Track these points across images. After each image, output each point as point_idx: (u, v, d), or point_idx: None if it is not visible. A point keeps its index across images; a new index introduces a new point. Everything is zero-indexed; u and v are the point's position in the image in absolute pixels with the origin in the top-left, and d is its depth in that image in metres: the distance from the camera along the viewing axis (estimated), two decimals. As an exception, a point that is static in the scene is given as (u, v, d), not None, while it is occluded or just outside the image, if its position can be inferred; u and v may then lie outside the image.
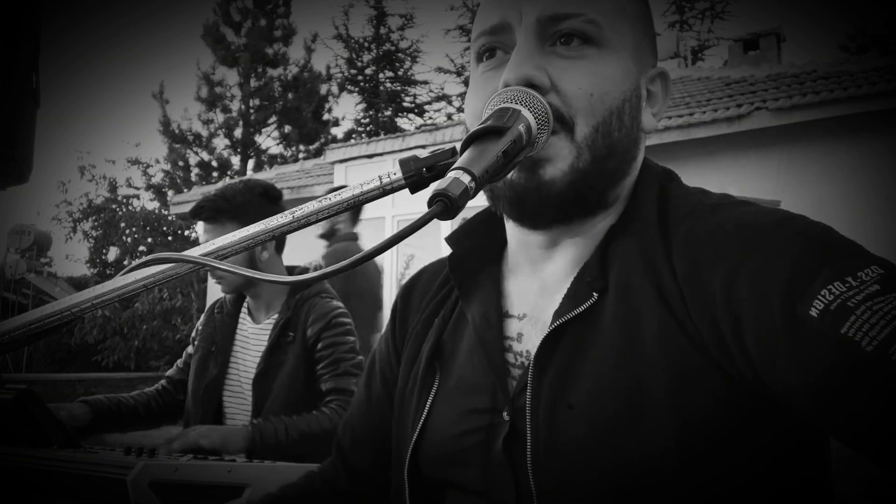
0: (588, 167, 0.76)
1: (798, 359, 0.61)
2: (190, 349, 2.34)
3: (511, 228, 0.88)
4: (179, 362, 2.36)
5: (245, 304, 2.26)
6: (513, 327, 0.84)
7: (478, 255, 0.91)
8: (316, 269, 2.33)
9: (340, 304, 2.18)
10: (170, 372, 2.36)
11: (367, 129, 20.62)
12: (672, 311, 0.71)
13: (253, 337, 2.18)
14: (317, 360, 2.06)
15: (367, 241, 4.50)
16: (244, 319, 2.24)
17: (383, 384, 0.99)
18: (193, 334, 2.35)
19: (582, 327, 0.76)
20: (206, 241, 2.12)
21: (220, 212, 2.10)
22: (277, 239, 2.14)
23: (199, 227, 2.16)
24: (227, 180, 15.40)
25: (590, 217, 0.81)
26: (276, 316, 2.16)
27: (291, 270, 2.30)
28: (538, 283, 0.84)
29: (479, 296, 0.87)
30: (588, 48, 0.77)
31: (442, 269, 0.96)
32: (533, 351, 0.77)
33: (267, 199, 2.19)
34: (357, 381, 2.01)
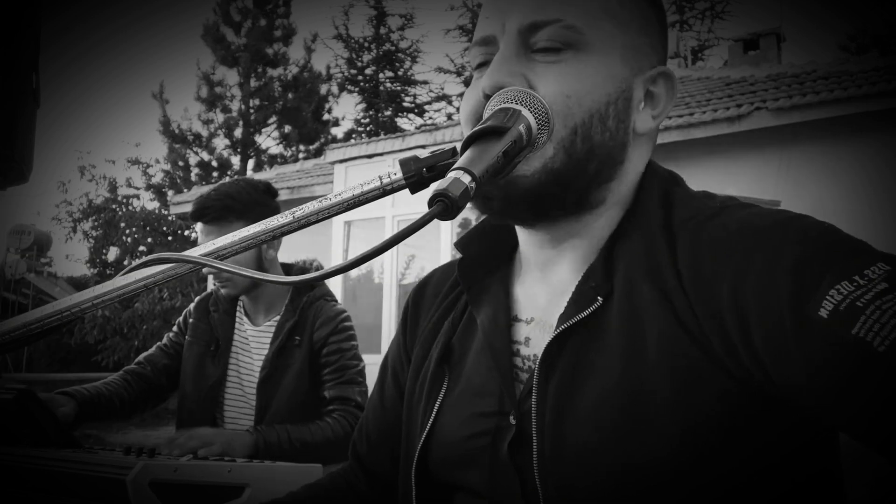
0: (562, 167, 0.76)
1: (809, 360, 0.61)
2: (172, 335, 2.26)
3: (519, 231, 0.88)
4: (162, 344, 2.26)
5: (240, 305, 2.21)
6: (521, 331, 0.85)
7: (487, 259, 0.91)
8: (316, 268, 2.30)
9: (342, 307, 2.17)
10: (149, 355, 2.24)
11: (367, 129, 20.63)
12: (676, 313, 0.71)
13: (253, 339, 2.15)
14: (322, 365, 2.04)
15: (367, 242, 4.50)
16: (241, 320, 2.19)
17: (395, 387, 0.99)
18: (181, 320, 2.27)
19: (587, 331, 0.76)
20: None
21: (230, 211, 2.05)
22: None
23: (199, 228, 2.10)
24: (227, 180, 15.38)
25: (575, 217, 0.81)
26: (277, 318, 2.12)
27: (290, 268, 2.26)
28: (546, 287, 0.84)
29: (488, 299, 0.88)
30: (565, 52, 0.78)
31: (452, 272, 0.96)
32: (540, 354, 0.77)
33: (270, 196, 2.17)
34: (360, 390, 2.01)
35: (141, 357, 2.27)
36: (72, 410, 1.91)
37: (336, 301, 2.19)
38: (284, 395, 2.02)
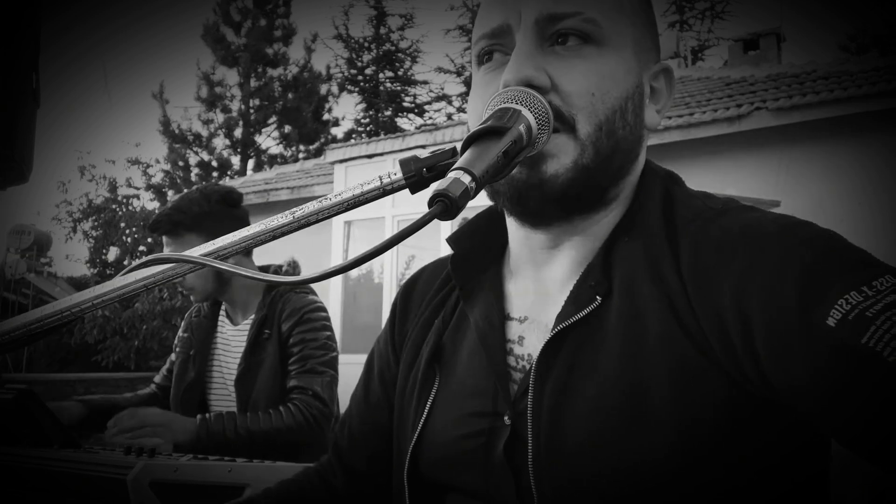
0: (592, 164, 0.76)
1: (813, 365, 0.61)
2: (173, 356, 2.34)
3: (513, 228, 0.87)
4: (164, 369, 2.36)
5: (222, 308, 2.27)
6: (514, 330, 0.84)
7: (480, 256, 0.91)
8: (290, 265, 2.32)
9: (316, 297, 2.16)
10: (156, 379, 2.37)
11: (367, 129, 20.62)
12: (677, 314, 0.71)
13: (233, 338, 2.19)
14: (288, 356, 2.06)
15: (367, 242, 4.49)
16: (223, 322, 2.25)
17: (381, 384, 0.98)
18: (175, 342, 2.35)
19: (584, 331, 0.75)
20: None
21: (178, 224, 2.07)
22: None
23: (163, 239, 2.15)
24: (228, 180, 15.39)
25: (590, 215, 0.80)
26: (253, 316, 2.16)
27: (265, 270, 2.28)
28: (540, 285, 0.84)
29: (481, 297, 0.87)
30: (587, 47, 0.77)
31: (442, 269, 0.95)
32: (535, 354, 0.77)
33: (226, 205, 2.15)
34: (322, 380, 2.02)
35: (153, 380, 2.40)
36: (80, 413, 2.03)
37: (309, 292, 2.18)
38: (262, 388, 2.05)
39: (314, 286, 2.23)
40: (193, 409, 2.12)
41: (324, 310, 2.14)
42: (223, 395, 2.16)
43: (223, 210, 2.13)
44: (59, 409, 1.98)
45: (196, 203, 2.11)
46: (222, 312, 2.26)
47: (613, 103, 0.77)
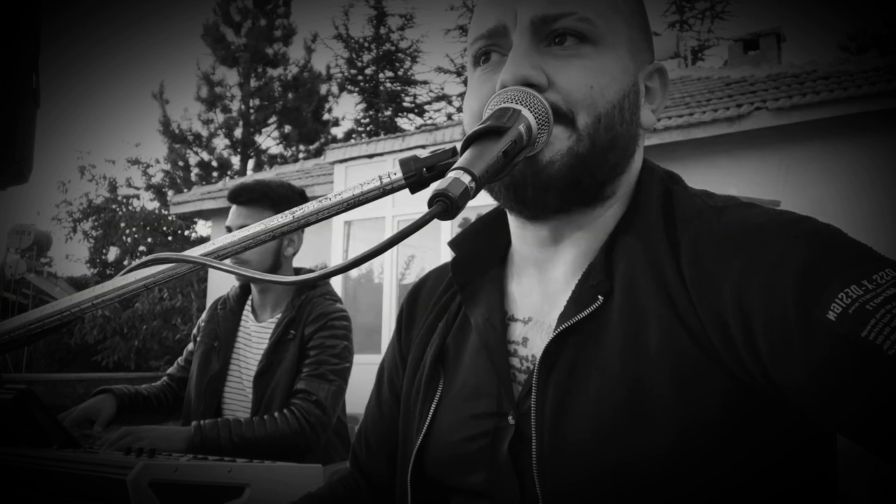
0: (587, 152, 0.76)
1: (817, 362, 0.61)
2: (191, 346, 2.36)
3: (514, 227, 0.87)
4: (180, 360, 2.38)
5: (249, 301, 2.29)
6: (518, 331, 0.84)
7: (480, 259, 0.91)
8: (320, 268, 2.36)
9: (342, 306, 2.21)
10: (171, 370, 2.39)
11: (367, 129, 20.61)
12: (678, 312, 0.71)
13: (255, 335, 2.22)
14: (304, 357, 2.10)
15: (367, 242, 4.49)
16: (247, 317, 2.27)
17: (392, 391, 0.99)
18: (195, 331, 2.37)
19: (587, 330, 0.76)
20: (238, 223, 2.13)
21: (265, 197, 2.18)
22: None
23: (232, 209, 2.22)
24: (228, 180, 15.40)
25: (588, 209, 0.81)
26: (279, 315, 2.19)
27: (298, 272, 2.32)
28: (543, 286, 0.84)
29: (482, 299, 0.87)
30: (584, 46, 0.77)
31: (446, 273, 0.96)
32: (538, 355, 0.77)
33: (302, 199, 2.27)
34: (329, 387, 2.05)
35: (166, 372, 2.42)
36: (111, 408, 2.03)
37: (337, 301, 2.23)
38: (277, 387, 2.07)
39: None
40: (216, 399, 2.15)
41: (347, 319, 2.18)
42: (237, 388, 2.18)
43: (299, 202, 2.22)
44: (91, 408, 2.00)
45: (282, 187, 2.26)
46: (247, 307, 2.29)
47: (612, 98, 0.77)
